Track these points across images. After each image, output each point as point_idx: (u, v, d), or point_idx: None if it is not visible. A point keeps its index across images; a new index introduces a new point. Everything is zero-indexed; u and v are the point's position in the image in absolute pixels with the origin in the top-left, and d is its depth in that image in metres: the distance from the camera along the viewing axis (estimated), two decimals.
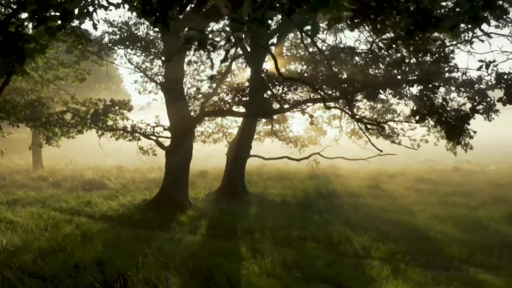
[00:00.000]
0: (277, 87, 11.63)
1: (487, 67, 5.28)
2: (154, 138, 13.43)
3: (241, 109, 14.89)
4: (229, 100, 12.49)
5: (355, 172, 22.21)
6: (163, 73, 14.66)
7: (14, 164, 24.69)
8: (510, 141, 49.40)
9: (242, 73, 16.79)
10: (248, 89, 12.06)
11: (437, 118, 4.44)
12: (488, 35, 6.73)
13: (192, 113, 13.96)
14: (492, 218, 11.89)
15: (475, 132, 6.72)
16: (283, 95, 12.03)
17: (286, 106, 11.75)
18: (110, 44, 14.12)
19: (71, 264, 7.27)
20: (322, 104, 21.07)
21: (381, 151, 13.41)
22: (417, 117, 4.85)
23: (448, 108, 4.64)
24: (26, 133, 28.50)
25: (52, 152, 33.55)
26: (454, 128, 4.25)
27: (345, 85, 9.44)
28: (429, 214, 12.55)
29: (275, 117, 20.55)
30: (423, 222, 11.66)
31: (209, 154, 30.16)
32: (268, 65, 14.53)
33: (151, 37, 14.39)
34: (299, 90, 12.85)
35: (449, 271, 7.87)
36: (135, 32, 14.30)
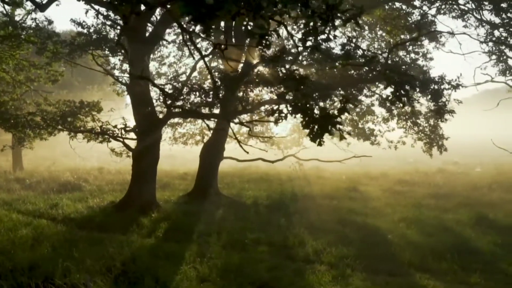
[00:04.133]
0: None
1: (370, 62, 5.07)
2: (121, 139, 13.32)
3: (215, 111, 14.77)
4: (194, 101, 12.37)
5: (338, 174, 22.01)
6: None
7: None
8: (509, 142, 48.87)
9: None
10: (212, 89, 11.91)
11: (303, 118, 4.25)
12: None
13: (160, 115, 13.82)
14: (458, 221, 11.67)
15: (349, 133, 6.47)
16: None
17: (248, 107, 11.63)
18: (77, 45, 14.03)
19: (6, 268, 7.16)
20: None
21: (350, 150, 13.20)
22: (275, 116, 4.67)
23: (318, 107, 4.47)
24: None
25: (41, 153, 33.63)
26: (321, 129, 4.06)
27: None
28: (398, 217, 12.33)
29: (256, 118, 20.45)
30: (388, 225, 11.45)
31: (197, 156, 30.06)
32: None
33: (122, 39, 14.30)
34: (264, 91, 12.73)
35: (394, 276, 7.69)
36: (105, 33, 14.23)
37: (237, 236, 10.00)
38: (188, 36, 4.05)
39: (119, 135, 13.15)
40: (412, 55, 17.45)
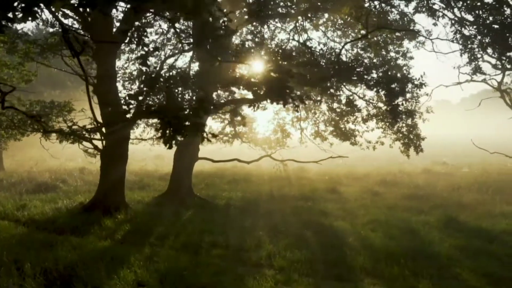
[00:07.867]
0: None
1: None
2: (88, 139, 13.16)
3: None
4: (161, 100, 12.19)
5: (322, 175, 21.77)
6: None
7: None
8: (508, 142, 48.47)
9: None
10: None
11: (160, 120, 4.02)
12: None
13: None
14: (427, 223, 11.41)
15: (215, 136, 6.14)
16: None
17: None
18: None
19: None
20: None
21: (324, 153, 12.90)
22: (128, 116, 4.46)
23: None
24: None
25: (31, 154, 33.63)
26: (174, 131, 3.84)
27: (255, 88, 9.05)
28: (368, 219, 12.09)
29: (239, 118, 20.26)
30: (354, 227, 11.20)
31: None
32: None
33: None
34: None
35: (342, 282, 7.47)
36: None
37: (195, 238, 9.81)
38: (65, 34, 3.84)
39: (86, 135, 12.99)
40: (393, 53, 17.27)
